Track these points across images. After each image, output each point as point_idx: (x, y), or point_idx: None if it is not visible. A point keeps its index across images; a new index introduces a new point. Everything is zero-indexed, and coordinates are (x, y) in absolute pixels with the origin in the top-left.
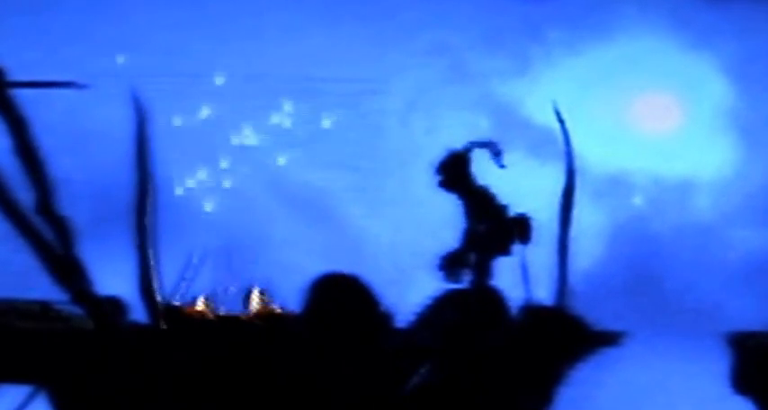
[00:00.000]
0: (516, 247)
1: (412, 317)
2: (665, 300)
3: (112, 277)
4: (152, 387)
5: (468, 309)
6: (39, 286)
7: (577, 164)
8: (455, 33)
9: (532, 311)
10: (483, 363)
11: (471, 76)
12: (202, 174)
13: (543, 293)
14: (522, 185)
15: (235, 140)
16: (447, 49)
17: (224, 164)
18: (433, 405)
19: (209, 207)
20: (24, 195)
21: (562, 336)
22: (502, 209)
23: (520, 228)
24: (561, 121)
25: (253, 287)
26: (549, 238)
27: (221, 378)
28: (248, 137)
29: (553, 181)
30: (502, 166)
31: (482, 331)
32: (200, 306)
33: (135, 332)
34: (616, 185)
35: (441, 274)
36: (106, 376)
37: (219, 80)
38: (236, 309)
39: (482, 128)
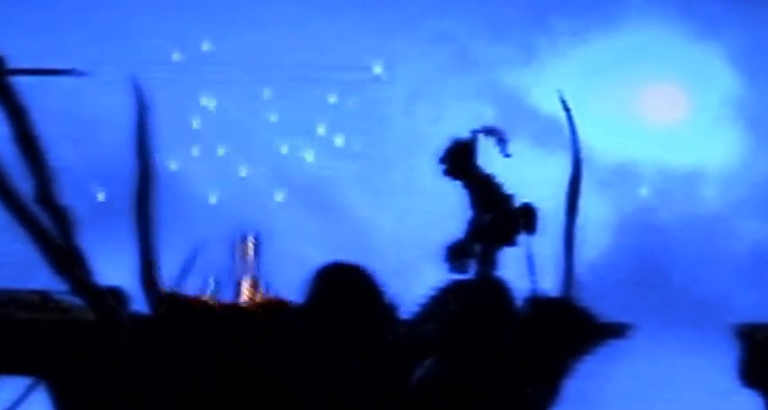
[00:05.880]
0: (522, 238)
1: (416, 309)
2: (672, 292)
3: (113, 267)
4: (153, 377)
5: (472, 301)
6: (38, 276)
7: (584, 154)
8: (460, 22)
9: (538, 302)
10: (488, 355)
11: (476, 65)
12: (204, 163)
13: (549, 284)
14: (527, 175)
15: (237, 129)
16: (452, 37)
17: (226, 152)
18: (438, 397)
19: (211, 196)
20: (24, 184)
21: (568, 328)
22: (507, 198)
23: (525, 218)
24: (567, 111)
25: (244, 277)
26: (554, 229)
27: (222, 369)
28: (250, 125)
29: (559, 171)
30: (507, 155)
31: (487, 322)
32: (201, 296)
33: (136, 322)
34: (622, 176)
35: (445, 265)
36: (106, 367)
37: (221, 68)
38: (238, 299)
39: (487, 117)
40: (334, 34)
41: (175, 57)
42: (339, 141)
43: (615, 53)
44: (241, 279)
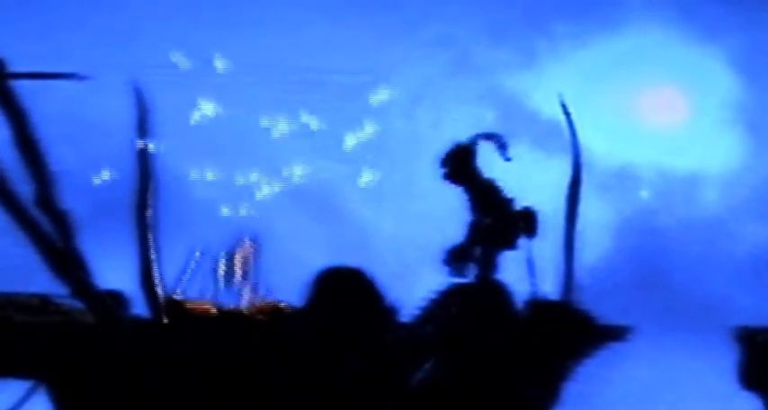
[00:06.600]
0: (522, 241)
1: (416, 312)
2: (672, 294)
3: (113, 270)
4: (152, 380)
5: (472, 304)
6: (38, 280)
7: (584, 157)
8: (460, 26)
9: (538, 305)
10: (488, 358)
11: (477, 69)
12: (204, 167)
13: (549, 287)
14: (527, 178)
15: (237, 131)
16: (452, 41)
17: (226, 155)
18: (438, 399)
19: (211, 200)
20: (24, 188)
21: (568, 331)
22: (507, 202)
23: (526, 222)
24: (567, 114)
25: (249, 286)
26: (555, 232)
27: (223, 372)
28: (250, 127)
29: (559, 174)
30: (507, 159)
31: (487, 325)
32: (201, 300)
33: (136, 326)
34: (623, 178)
35: (446, 268)
36: (106, 369)
37: (222, 72)
38: (238, 303)
39: (488, 121)
40: (335, 38)
41: (176, 60)
42: (340, 144)
43: (615, 57)
44: (243, 284)
